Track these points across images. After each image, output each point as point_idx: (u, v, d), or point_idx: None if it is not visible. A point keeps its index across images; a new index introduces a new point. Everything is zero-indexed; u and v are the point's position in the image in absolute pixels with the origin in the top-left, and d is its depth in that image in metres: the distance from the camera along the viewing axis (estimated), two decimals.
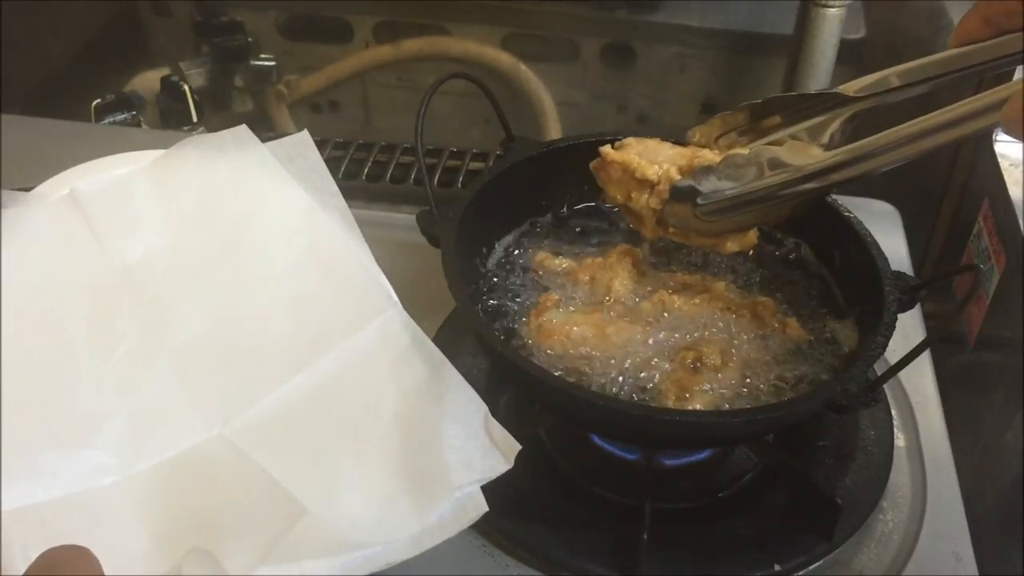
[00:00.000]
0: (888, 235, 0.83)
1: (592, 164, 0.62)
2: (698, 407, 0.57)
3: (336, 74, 1.27)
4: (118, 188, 0.59)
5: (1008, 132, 0.43)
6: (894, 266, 0.62)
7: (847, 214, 0.66)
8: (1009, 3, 0.47)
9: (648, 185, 0.59)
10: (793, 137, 0.55)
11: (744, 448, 0.65)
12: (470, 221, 0.64)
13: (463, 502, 0.51)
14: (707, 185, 0.56)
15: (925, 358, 0.74)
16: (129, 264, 0.57)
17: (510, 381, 0.60)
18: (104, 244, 0.56)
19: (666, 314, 0.64)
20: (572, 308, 0.65)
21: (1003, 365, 0.79)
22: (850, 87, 0.53)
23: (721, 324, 0.63)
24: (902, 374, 0.56)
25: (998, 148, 0.87)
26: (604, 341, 0.62)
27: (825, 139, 0.53)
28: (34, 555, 0.37)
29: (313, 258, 0.58)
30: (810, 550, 0.59)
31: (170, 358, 0.55)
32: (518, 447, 0.52)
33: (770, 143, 0.56)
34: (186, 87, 1.17)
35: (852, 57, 1.10)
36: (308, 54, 1.29)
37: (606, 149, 0.61)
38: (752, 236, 0.60)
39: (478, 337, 0.59)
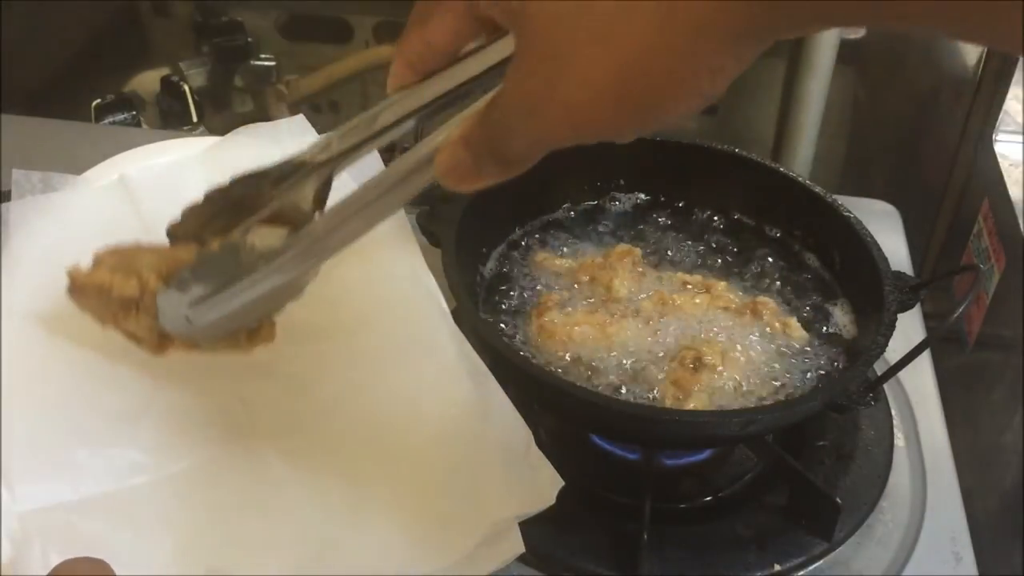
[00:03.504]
0: (888, 235, 0.82)
1: (67, 288, 0.51)
2: (697, 407, 0.57)
3: (336, 74, 1.27)
4: (169, 176, 0.56)
5: (445, 185, 0.38)
6: (894, 266, 0.62)
7: (847, 214, 0.66)
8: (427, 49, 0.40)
9: (133, 303, 0.50)
10: (280, 211, 0.47)
11: (744, 448, 0.65)
12: (470, 221, 0.64)
13: (498, 539, 0.48)
14: (189, 289, 0.48)
15: (925, 358, 0.74)
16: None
17: (510, 381, 0.59)
18: (152, 232, 0.53)
19: (666, 314, 0.64)
20: (573, 308, 0.65)
21: (1003, 365, 0.79)
22: (307, 154, 0.47)
23: (721, 324, 0.63)
24: (902, 374, 0.56)
25: (998, 148, 0.87)
26: (605, 341, 0.62)
27: (308, 207, 0.46)
28: (54, 557, 0.37)
29: (359, 254, 0.54)
30: (810, 550, 0.59)
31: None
32: (561, 482, 0.49)
33: (260, 222, 0.48)
34: (186, 87, 1.17)
35: (852, 57, 1.10)
36: (308, 54, 1.29)
37: (74, 272, 0.51)
38: (270, 331, 0.51)
39: (478, 337, 0.59)
